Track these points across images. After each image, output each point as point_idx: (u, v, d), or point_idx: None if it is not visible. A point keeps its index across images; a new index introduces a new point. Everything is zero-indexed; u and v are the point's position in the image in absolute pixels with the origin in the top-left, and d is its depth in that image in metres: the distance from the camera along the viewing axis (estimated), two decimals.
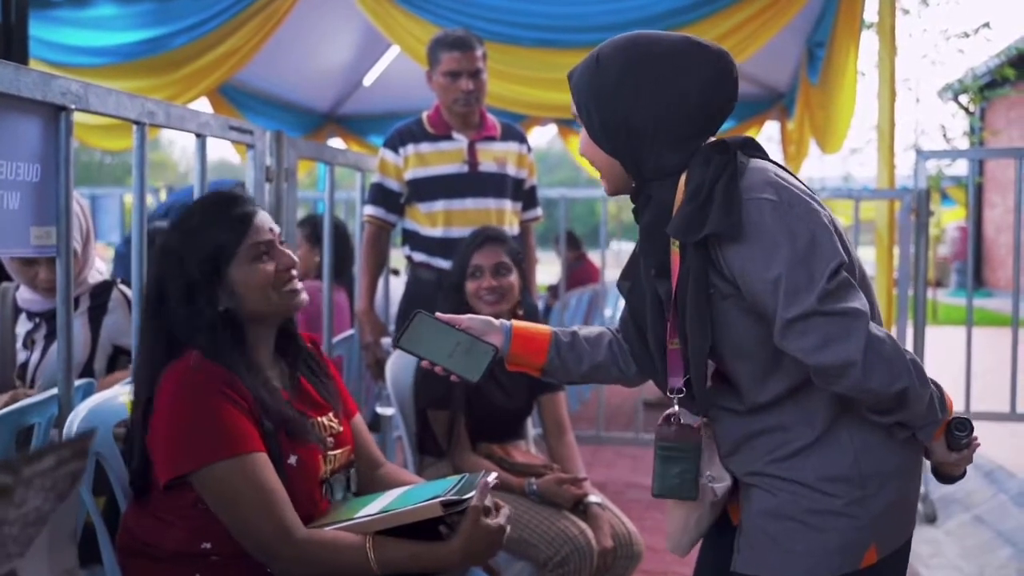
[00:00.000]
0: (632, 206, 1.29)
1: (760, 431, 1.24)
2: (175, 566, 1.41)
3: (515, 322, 1.36)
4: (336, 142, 7.39)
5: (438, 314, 1.33)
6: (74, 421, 1.49)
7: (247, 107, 6.12)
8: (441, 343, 1.31)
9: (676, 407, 1.27)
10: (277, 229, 1.51)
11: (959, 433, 1.22)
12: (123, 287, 2.10)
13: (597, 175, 1.33)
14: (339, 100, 6.96)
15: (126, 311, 2.05)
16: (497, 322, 1.36)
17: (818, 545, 1.21)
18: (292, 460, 1.43)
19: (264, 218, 1.49)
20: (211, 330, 1.41)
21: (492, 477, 1.46)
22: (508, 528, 1.44)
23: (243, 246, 1.44)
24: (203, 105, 5.64)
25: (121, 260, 2.93)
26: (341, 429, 1.56)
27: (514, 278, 2.27)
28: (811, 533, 1.21)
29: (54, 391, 1.59)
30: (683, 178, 1.20)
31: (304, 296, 1.51)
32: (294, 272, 1.50)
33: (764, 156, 1.26)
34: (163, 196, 5.56)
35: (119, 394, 1.64)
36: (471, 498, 1.38)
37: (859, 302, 1.12)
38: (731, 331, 1.19)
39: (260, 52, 4.82)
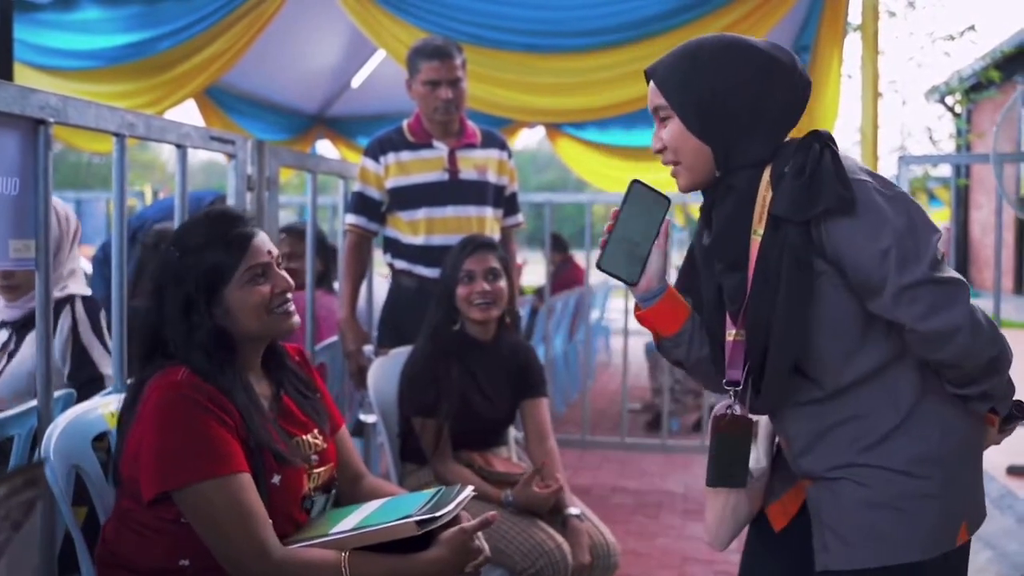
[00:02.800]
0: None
1: (839, 422, 1.26)
2: None
3: (670, 285, 1.37)
4: (324, 144, 7.38)
5: (667, 222, 1.32)
6: (53, 433, 1.50)
7: (235, 110, 6.11)
8: (644, 230, 1.29)
9: (732, 399, 1.30)
10: (275, 251, 1.53)
11: (1017, 414, 1.30)
12: (78, 305, 1.98)
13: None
14: (327, 102, 6.95)
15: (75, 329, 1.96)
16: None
17: (915, 529, 1.23)
18: (276, 480, 1.44)
19: (263, 240, 1.51)
20: (205, 347, 1.43)
21: (468, 491, 1.48)
22: (486, 552, 1.46)
23: (240, 268, 1.46)
24: (190, 108, 5.63)
25: (98, 267, 2.92)
26: (325, 446, 1.58)
27: (504, 284, 2.29)
28: (906, 518, 1.23)
29: (33, 403, 1.59)
30: (767, 170, 1.25)
31: (296, 319, 1.53)
32: (289, 296, 1.52)
33: None
34: (148, 198, 5.54)
35: (98, 406, 1.65)
36: (445, 514, 1.40)
37: (957, 273, 1.20)
38: (823, 308, 1.23)
39: (247, 54, 4.81)
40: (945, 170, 8.44)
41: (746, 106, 1.25)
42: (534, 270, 7.02)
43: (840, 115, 5.04)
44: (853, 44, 5.53)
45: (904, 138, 8.64)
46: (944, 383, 1.25)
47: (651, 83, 1.31)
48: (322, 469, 1.56)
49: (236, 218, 1.52)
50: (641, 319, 1.36)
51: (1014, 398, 1.29)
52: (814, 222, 1.20)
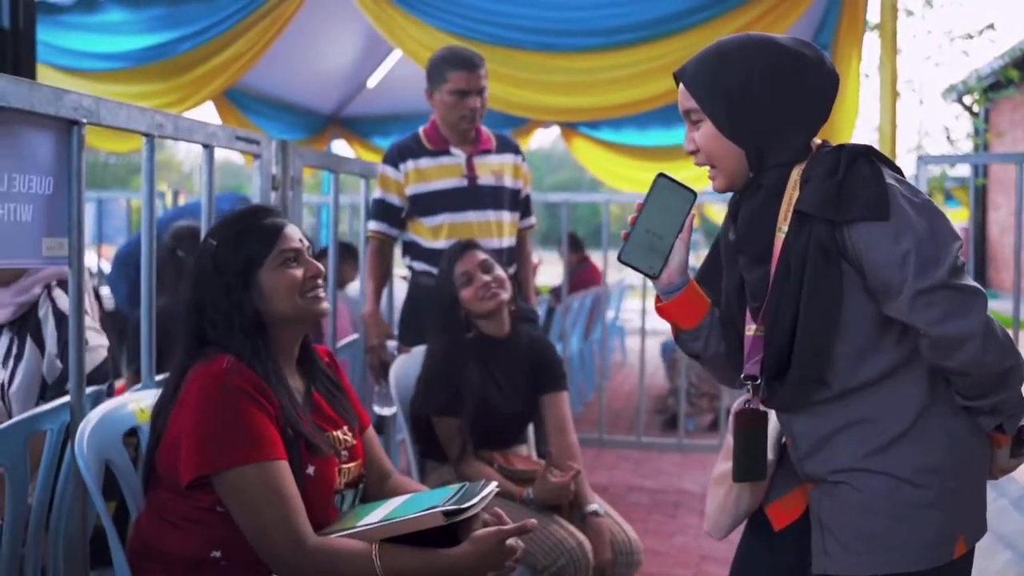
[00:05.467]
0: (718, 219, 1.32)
1: (846, 424, 1.27)
2: (184, 571, 1.44)
3: (692, 279, 1.37)
4: (340, 144, 7.42)
5: (692, 216, 1.31)
6: (85, 428, 1.53)
7: (252, 110, 6.15)
8: (668, 223, 1.29)
9: (751, 394, 1.31)
10: (307, 242, 1.59)
11: None
12: (56, 292, 1.88)
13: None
14: (343, 102, 6.99)
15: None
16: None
17: (913, 539, 1.24)
18: (310, 470, 1.47)
19: (294, 230, 1.57)
20: (246, 334, 1.48)
21: (493, 487, 1.49)
22: (519, 551, 1.47)
23: (273, 252, 1.52)
24: (209, 109, 5.68)
25: (119, 266, 2.96)
26: (354, 443, 1.62)
27: (501, 271, 2.33)
28: (906, 527, 1.24)
29: (66, 399, 1.62)
30: (796, 170, 1.26)
31: (326, 305, 1.58)
32: (320, 281, 1.56)
33: None
34: (168, 200, 5.58)
35: (129, 401, 1.68)
36: (472, 506, 1.41)
37: (976, 283, 1.20)
38: (840, 308, 1.23)
39: (265, 55, 4.85)
40: (963, 170, 8.40)
41: (775, 103, 1.25)
42: (550, 270, 7.03)
43: (859, 114, 5.02)
44: (871, 43, 5.52)
45: (921, 137, 8.60)
46: (954, 394, 1.25)
47: (680, 86, 1.31)
48: (351, 465, 1.59)
49: (268, 210, 1.61)
50: (661, 311, 1.37)
51: None
52: (839, 223, 1.21)
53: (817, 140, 1.31)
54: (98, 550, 1.65)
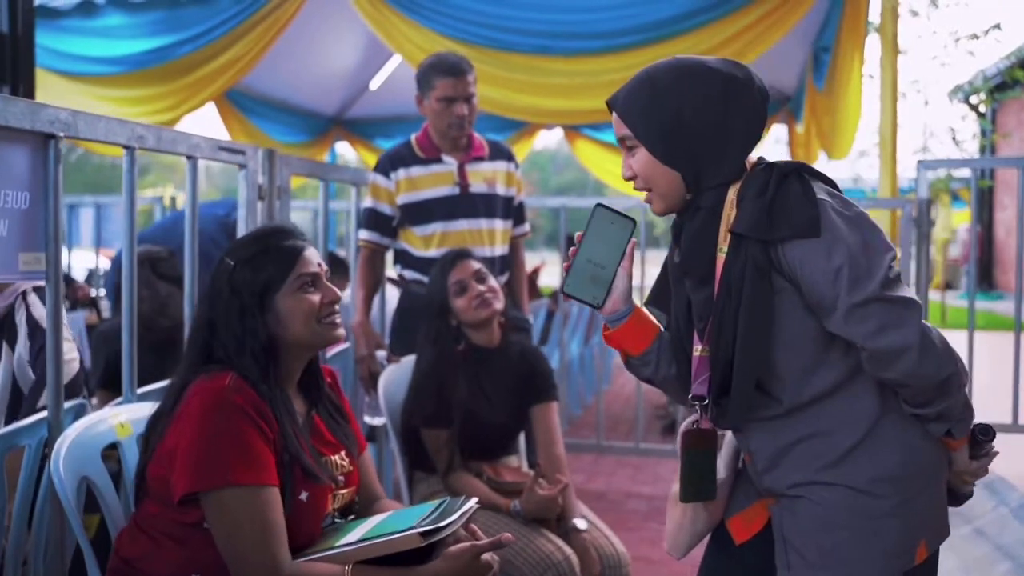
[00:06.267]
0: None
1: (800, 438, 1.28)
2: None
3: (637, 305, 1.38)
4: (343, 146, 7.42)
5: (633, 243, 1.31)
6: (63, 444, 1.52)
7: (254, 112, 6.15)
8: (609, 253, 1.30)
9: (699, 414, 1.32)
10: (325, 265, 1.58)
11: (983, 438, 1.31)
12: (31, 298, 1.84)
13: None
14: (345, 104, 6.99)
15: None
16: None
17: (874, 550, 1.25)
18: (303, 496, 1.46)
19: (313, 253, 1.56)
20: (255, 357, 1.47)
21: (473, 503, 1.48)
22: (496, 567, 1.46)
23: (291, 276, 1.51)
24: (210, 112, 5.67)
25: (117, 269, 2.96)
26: (351, 468, 1.60)
27: (494, 281, 2.32)
28: (865, 538, 1.25)
29: (44, 414, 1.61)
30: (733, 189, 1.26)
31: (342, 331, 1.57)
32: (337, 307, 1.55)
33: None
34: (167, 202, 5.57)
35: (108, 416, 1.67)
36: (449, 525, 1.40)
37: (912, 293, 1.21)
38: (782, 325, 1.24)
39: (267, 57, 4.85)
40: (967, 171, 8.33)
41: (709, 127, 1.25)
42: (554, 271, 7.01)
43: (863, 115, 4.98)
44: (874, 44, 5.48)
45: (927, 139, 8.55)
46: (901, 403, 1.26)
47: (614, 113, 1.31)
48: (346, 491, 1.58)
49: (288, 232, 1.58)
50: (608, 339, 1.38)
51: (978, 421, 1.30)
52: (772, 242, 1.21)
53: (752, 157, 1.31)
54: (81, 569, 1.63)
